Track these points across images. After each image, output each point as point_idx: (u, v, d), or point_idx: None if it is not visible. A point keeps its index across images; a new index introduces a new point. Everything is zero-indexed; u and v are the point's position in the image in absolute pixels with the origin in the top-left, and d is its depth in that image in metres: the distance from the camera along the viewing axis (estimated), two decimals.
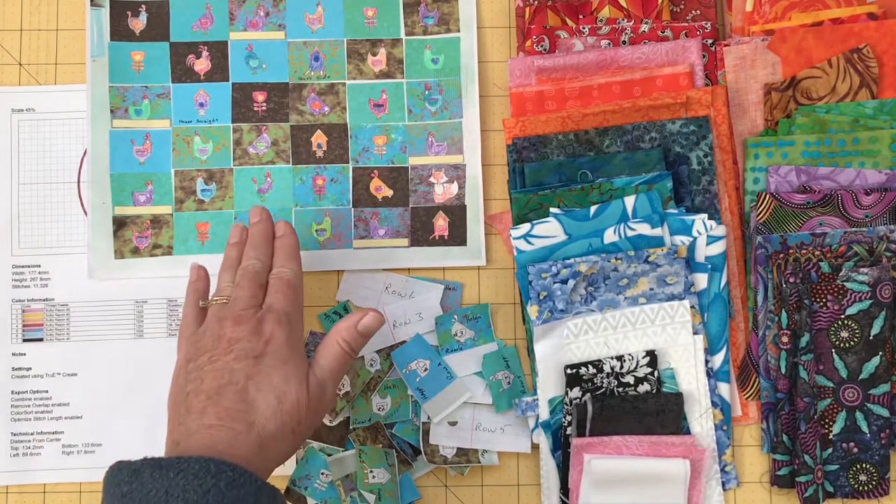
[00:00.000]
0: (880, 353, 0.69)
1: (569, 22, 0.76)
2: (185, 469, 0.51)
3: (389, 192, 0.76)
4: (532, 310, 0.70)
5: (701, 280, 0.71)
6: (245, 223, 0.75)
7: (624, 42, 0.75)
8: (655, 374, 0.69)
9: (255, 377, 0.58)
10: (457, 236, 0.75)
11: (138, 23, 0.77)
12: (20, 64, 0.77)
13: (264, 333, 0.59)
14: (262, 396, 0.57)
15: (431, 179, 0.76)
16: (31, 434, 0.73)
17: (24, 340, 0.74)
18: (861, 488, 0.70)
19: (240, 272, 0.63)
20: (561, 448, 0.70)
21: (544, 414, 0.70)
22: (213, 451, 0.54)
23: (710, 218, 0.71)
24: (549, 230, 0.71)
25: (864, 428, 0.70)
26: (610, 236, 0.70)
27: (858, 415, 0.70)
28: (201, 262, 0.74)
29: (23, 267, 0.75)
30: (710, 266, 0.71)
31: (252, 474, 0.53)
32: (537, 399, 0.70)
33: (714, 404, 0.70)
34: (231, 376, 0.57)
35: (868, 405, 0.69)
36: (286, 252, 0.65)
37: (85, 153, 0.76)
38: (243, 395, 0.57)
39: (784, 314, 0.70)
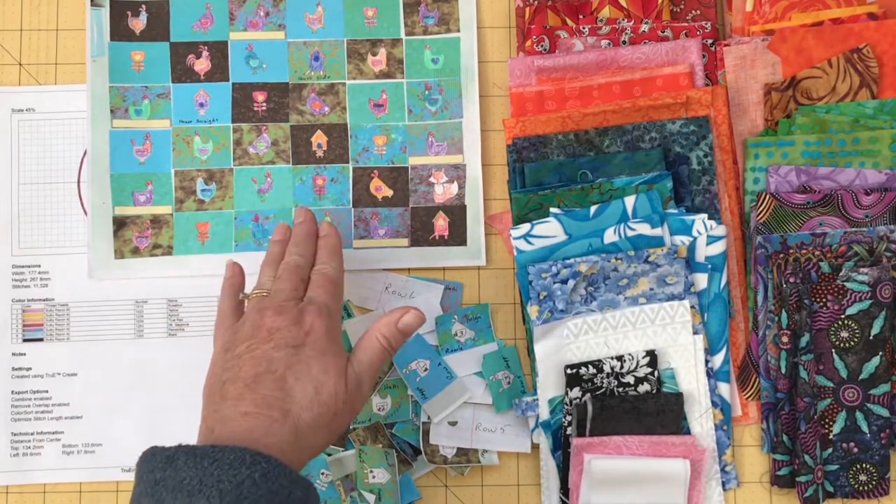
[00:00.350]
0: (880, 353, 0.69)
1: (569, 22, 0.76)
2: (219, 458, 0.50)
3: (389, 192, 0.76)
4: (532, 310, 0.70)
5: (701, 280, 0.71)
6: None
7: (624, 42, 0.75)
8: (655, 374, 0.69)
9: (293, 366, 0.57)
10: (457, 236, 0.75)
11: (138, 23, 0.77)
12: (20, 64, 0.77)
13: (305, 324, 0.59)
14: (299, 386, 0.57)
15: (431, 179, 0.76)
16: (31, 434, 0.73)
17: (24, 340, 0.74)
18: (861, 488, 0.70)
19: (282, 266, 0.64)
20: (561, 448, 0.70)
21: (544, 414, 0.70)
22: (248, 439, 0.54)
23: (710, 218, 0.71)
24: (549, 230, 0.71)
25: (864, 428, 0.70)
26: (610, 236, 0.70)
27: (858, 415, 0.70)
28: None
29: (23, 267, 0.75)
30: (710, 266, 0.71)
31: (286, 466, 0.52)
32: (537, 399, 0.70)
33: (714, 404, 0.70)
34: (269, 364, 0.57)
35: (868, 405, 0.69)
36: (329, 250, 0.65)
37: (85, 153, 0.76)
38: (281, 383, 0.56)
39: (784, 314, 0.70)
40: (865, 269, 0.69)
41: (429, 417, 0.71)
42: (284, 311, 0.59)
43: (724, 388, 0.71)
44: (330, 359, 0.59)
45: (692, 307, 0.70)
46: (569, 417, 0.69)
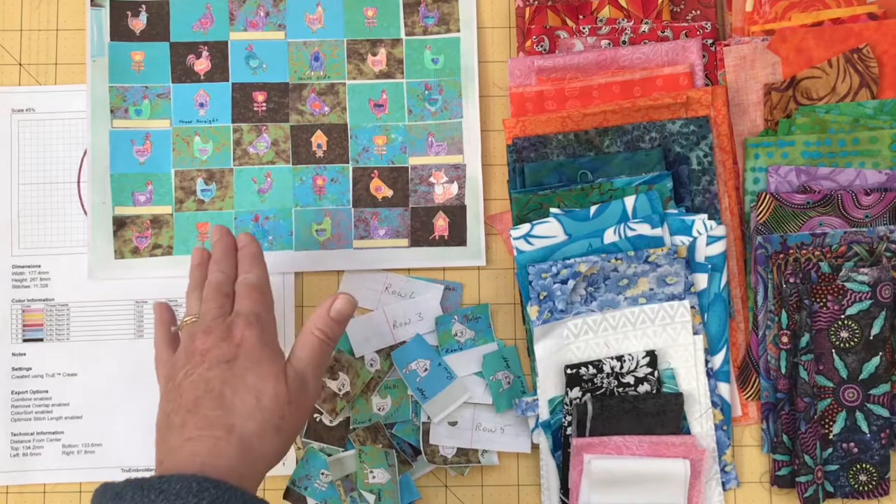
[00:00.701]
0: (880, 353, 0.69)
1: (569, 22, 0.76)
2: (165, 490, 0.50)
3: (389, 192, 0.76)
4: (532, 310, 0.70)
5: (701, 280, 0.71)
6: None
7: (624, 42, 0.75)
8: (655, 374, 0.69)
9: (229, 381, 0.57)
10: (457, 236, 0.75)
11: (138, 23, 0.77)
12: (20, 64, 0.77)
13: (235, 338, 0.59)
14: (238, 398, 0.56)
15: (431, 179, 0.76)
16: (31, 434, 0.73)
17: (24, 340, 0.74)
18: (861, 488, 0.70)
19: (205, 287, 0.63)
20: (561, 448, 0.70)
21: (544, 414, 0.70)
22: (194, 463, 0.53)
23: (710, 218, 0.71)
24: (549, 230, 0.71)
25: (864, 428, 0.70)
26: (610, 236, 0.70)
27: (858, 415, 0.70)
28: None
29: (23, 267, 0.75)
30: (710, 266, 0.71)
31: (237, 489, 0.52)
32: (537, 399, 0.70)
33: (714, 404, 0.70)
34: (206, 385, 0.57)
35: (868, 405, 0.69)
36: (249, 259, 0.65)
37: (85, 153, 0.76)
38: (220, 400, 0.56)
39: (784, 314, 0.70)
40: (865, 270, 0.69)
41: (429, 417, 0.71)
42: (213, 330, 0.59)
43: (724, 388, 0.71)
44: (266, 365, 0.58)
45: (692, 307, 0.70)
46: (569, 417, 0.69)
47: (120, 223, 0.75)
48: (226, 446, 0.55)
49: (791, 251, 0.70)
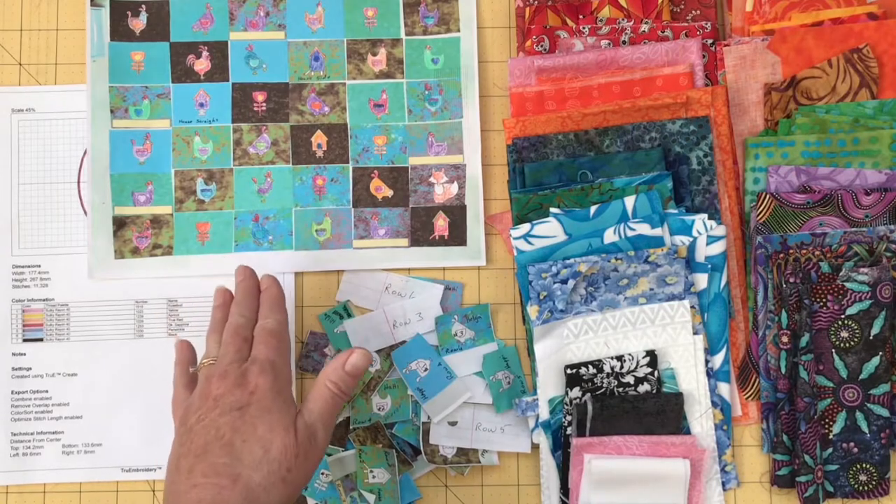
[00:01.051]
0: (880, 353, 0.69)
1: (569, 22, 0.76)
2: None
3: (389, 192, 0.76)
4: (532, 310, 0.70)
5: (701, 280, 0.71)
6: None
7: (624, 42, 0.75)
8: (655, 374, 0.69)
9: (240, 429, 0.57)
10: (457, 236, 0.75)
11: (138, 23, 0.77)
12: (20, 64, 0.77)
13: (249, 385, 0.59)
14: (247, 448, 0.57)
15: (431, 179, 0.76)
16: (31, 434, 0.73)
17: (24, 340, 0.74)
18: (861, 488, 0.70)
19: (225, 330, 0.64)
20: (561, 448, 0.70)
21: (544, 414, 0.70)
22: None
23: (710, 218, 0.71)
24: (549, 230, 0.71)
25: (864, 428, 0.70)
26: (610, 236, 0.70)
27: (858, 415, 0.70)
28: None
29: (23, 267, 0.75)
30: (710, 266, 0.71)
31: None
32: (537, 399, 0.70)
33: (714, 404, 0.70)
34: (217, 431, 0.57)
35: (868, 405, 0.69)
36: (270, 303, 0.66)
37: (85, 153, 0.76)
38: (229, 448, 0.57)
39: (784, 314, 0.70)
40: (865, 269, 0.69)
41: (429, 417, 0.71)
42: (228, 376, 0.59)
43: (724, 388, 0.71)
44: (276, 415, 0.58)
45: (692, 307, 0.70)
46: (569, 417, 0.69)
47: (120, 223, 0.75)
48: (230, 495, 0.55)
49: (791, 251, 0.70)
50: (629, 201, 0.71)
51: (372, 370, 0.73)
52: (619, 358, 0.69)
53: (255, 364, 0.60)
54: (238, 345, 0.62)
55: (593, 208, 0.71)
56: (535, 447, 0.71)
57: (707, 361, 0.71)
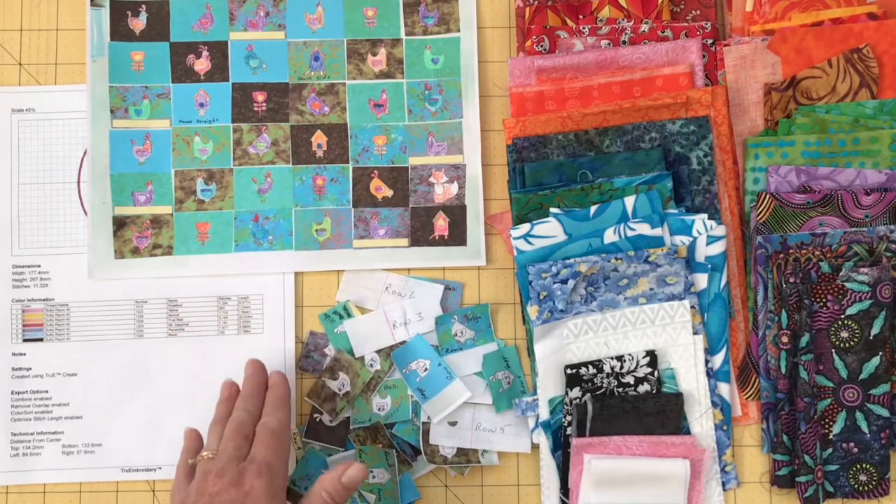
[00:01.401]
0: (880, 353, 0.69)
1: (569, 22, 0.76)
2: None
3: (389, 192, 0.76)
4: (532, 310, 0.70)
5: (701, 280, 0.71)
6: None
7: (624, 42, 0.75)
8: (655, 374, 0.69)
9: None
10: (457, 236, 0.75)
11: (138, 23, 0.77)
12: (20, 64, 0.77)
13: (244, 485, 0.60)
14: None
15: (431, 179, 0.76)
16: (31, 434, 0.73)
17: (24, 340, 0.74)
18: (861, 488, 0.70)
19: (227, 425, 0.65)
20: (561, 448, 0.70)
21: (544, 414, 0.70)
22: None
23: (710, 218, 0.71)
24: (549, 230, 0.71)
25: (864, 428, 0.70)
26: (610, 236, 0.70)
27: (858, 415, 0.70)
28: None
29: (23, 267, 0.75)
30: (710, 266, 0.71)
31: None
32: (537, 399, 0.70)
33: (714, 404, 0.70)
34: None
35: (868, 405, 0.69)
36: (274, 401, 0.67)
37: (85, 153, 0.76)
38: None
39: (784, 314, 0.70)
40: (865, 269, 0.69)
41: (429, 417, 0.71)
42: (225, 474, 0.61)
43: (724, 388, 0.71)
44: None
45: (692, 307, 0.70)
46: (569, 417, 0.69)
47: (120, 223, 0.75)
48: None
49: (791, 251, 0.70)
50: (629, 201, 0.71)
51: (372, 370, 0.73)
52: (619, 358, 0.69)
53: (252, 464, 0.61)
54: (238, 442, 0.63)
55: (593, 208, 0.71)
56: (535, 447, 0.71)
57: (707, 361, 0.71)
